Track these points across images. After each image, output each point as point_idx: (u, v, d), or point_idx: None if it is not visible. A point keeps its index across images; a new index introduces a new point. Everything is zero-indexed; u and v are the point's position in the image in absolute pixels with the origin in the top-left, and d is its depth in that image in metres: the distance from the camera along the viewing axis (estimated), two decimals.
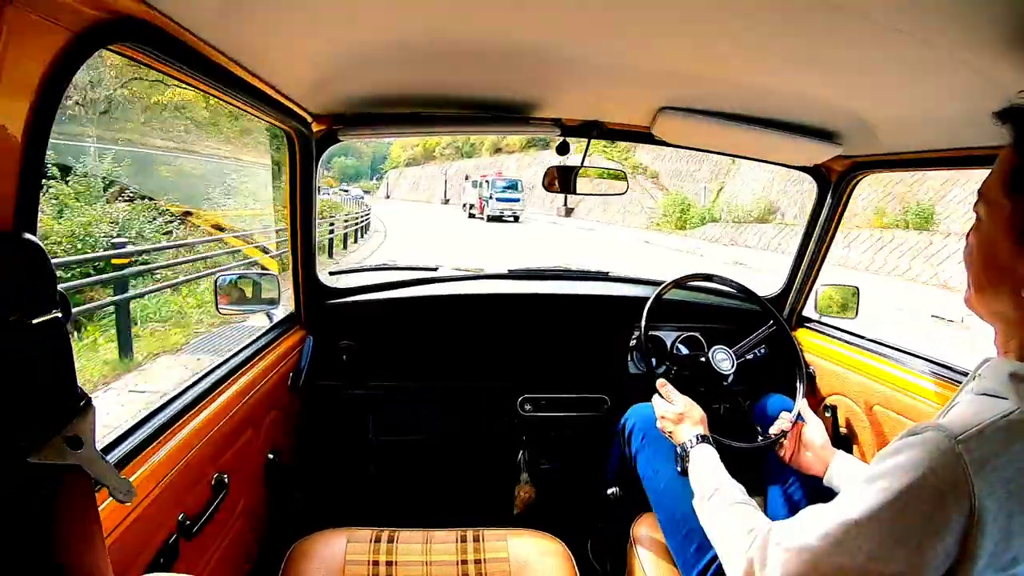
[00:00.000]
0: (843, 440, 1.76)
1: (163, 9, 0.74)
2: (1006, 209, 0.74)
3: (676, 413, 1.40)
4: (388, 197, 55.59)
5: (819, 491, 1.37)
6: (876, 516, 0.70)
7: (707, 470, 1.22)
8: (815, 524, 0.76)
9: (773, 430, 1.49)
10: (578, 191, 1.91)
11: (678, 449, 1.36)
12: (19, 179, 0.57)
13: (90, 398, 0.61)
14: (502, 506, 2.05)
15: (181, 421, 1.10)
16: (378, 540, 1.39)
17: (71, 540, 0.61)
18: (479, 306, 2.06)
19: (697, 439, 1.33)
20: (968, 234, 0.82)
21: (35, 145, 0.58)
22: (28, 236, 0.56)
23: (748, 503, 1.07)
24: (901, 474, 0.70)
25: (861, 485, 0.74)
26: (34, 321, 0.55)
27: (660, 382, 1.48)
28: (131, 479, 0.91)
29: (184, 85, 0.97)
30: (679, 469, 1.33)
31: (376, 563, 1.34)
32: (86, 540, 0.63)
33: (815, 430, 1.41)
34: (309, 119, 1.54)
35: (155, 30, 0.76)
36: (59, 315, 0.58)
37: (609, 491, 1.74)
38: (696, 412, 1.40)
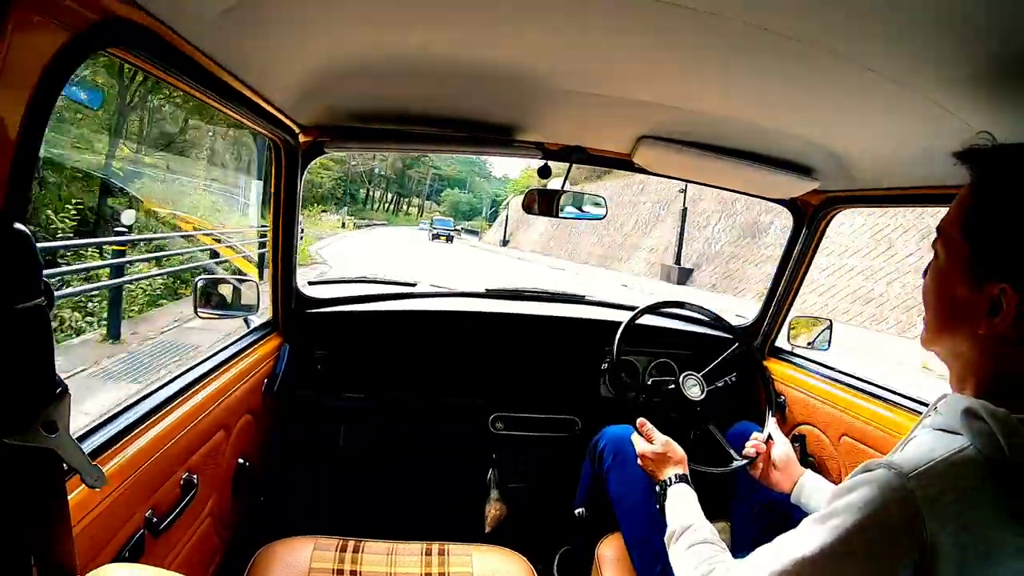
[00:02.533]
0: (810, 468, 1.73)
1: (160, 16, 0.77)
2: (963, 249, 0.75)
3: (656, 452, 1.40)
4: (505, 243, 39.93)
5: (786, 512, 1.39)
6: (828, 553, 0.70)
7: (681, 508, 1.23)
8: (768, 562, 0.75)
9: (744, 452, 1.51)
10: (562, 215, 1.94)
11: (656, 487, 1.36)
12: (11, 170, 0.59)
13: (66, 385, 0.63)
14: (469, 522, 2.05)
15: (155, 418, 1.10)
16: (344, 549, 1.39)
17: (40, 524, 0.63)
18: (455, 323, 2.08)
19: (676, 478, 1.33)
20: (925, 272, 0.83)
21: (30, 139, 0.60)
22: (17, 225, 0.57)
23: (715, 543, 1.08)
24: (854, 511, 0.69)
25: (814, 523, 0.73)
26: (18, 307, 0.57)
27: (640, 421, 1.47)
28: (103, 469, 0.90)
29: (176, 89, 0.98)
30: (657, 506, 1.33)
31: (340, 572, 1.34)
32: (54, 525, 0.64)
33: (783, 448, 1.43)
34: (296, 130, 1.56)
35: (151, 35, 0.78)
36: (43, 302, 0.59)
37: (576, 511, 1.75)
38: (676, 452, 1.40)
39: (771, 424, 1.56)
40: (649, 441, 1.43)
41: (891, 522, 0.67)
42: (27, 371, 0.59)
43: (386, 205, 74.20)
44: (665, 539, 1.17)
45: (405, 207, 78.34)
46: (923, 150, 1.21)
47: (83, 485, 0.74)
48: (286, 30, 0.98)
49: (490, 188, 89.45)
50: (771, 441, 1.46)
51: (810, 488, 1.34)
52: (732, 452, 1.60)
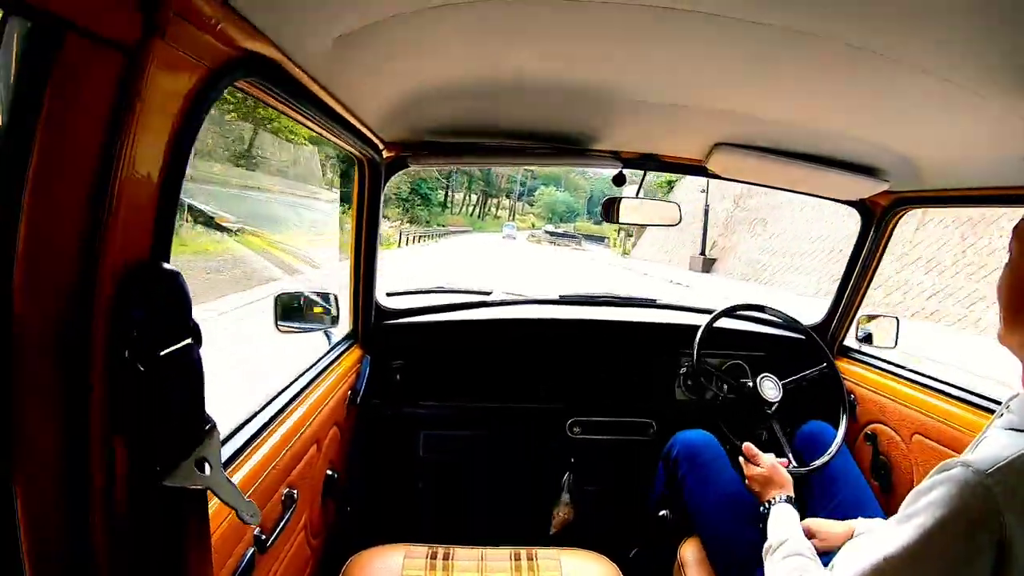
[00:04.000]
0: (883, 468, 1.78)
1: (285, 48, 0.78)
2: None
3: (763, 475, 1.42)
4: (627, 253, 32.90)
5: (860, 511, 1.42)
6: (912, 552, 0.72)
7: (782, 524, 1.26)
8: (853, 565, 0.78)
9: (820, 462, 1.59)
10: (621, 221, 1.95)
11: (761, 508, 1.38)
12: (156, 211, 0.59)
13: (214, 422, 0.63)
14: (545, 526, 2.06)
15: (260, 439, 1.13)
16: (434, 557, 1.40)
17: (189, 559, 0.64)
18: (530, 330, 2.09)
19: (780, 499, 1.36)
20: (1003, 270, 0.85)
21: (173, 178, 0.60)
22: (167, 265, 0.59)
23: (807, 556, 1.11)
24: (933, 510, 0.72)
25: (895, 524, 0.76)
26: (172, 348, 0.58)
27: (746, 445, 1.50)
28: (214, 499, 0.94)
29: (283, 114, 1.03)
30: (759, 525, 1.35)
31: None
32: (201, 559, 0.65)
33: (822, 526, 1.39)
34: (381, 146, 1.59)
35: (276, 67, 0.80)
36: (191, 341, 0.60)
37: (661, 512, 1.76)
38: (781, 476, 1.42)
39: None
40: (756, 464, 1.45)
41: (971, 518, 0.70)
42: (180, 412, 0.59)
43: (469, 209, 63.86)
44: (763, 551, 1.21)
45: (494, 209, 67.82)
46: (994, 152, 1.21)
47: None
48: (386, 54, 1.00)
49: (587, 185, 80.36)
50: (810, 528, 1.40)
51: (867, 530, 1.32)
52: (790, 454, 1.67)
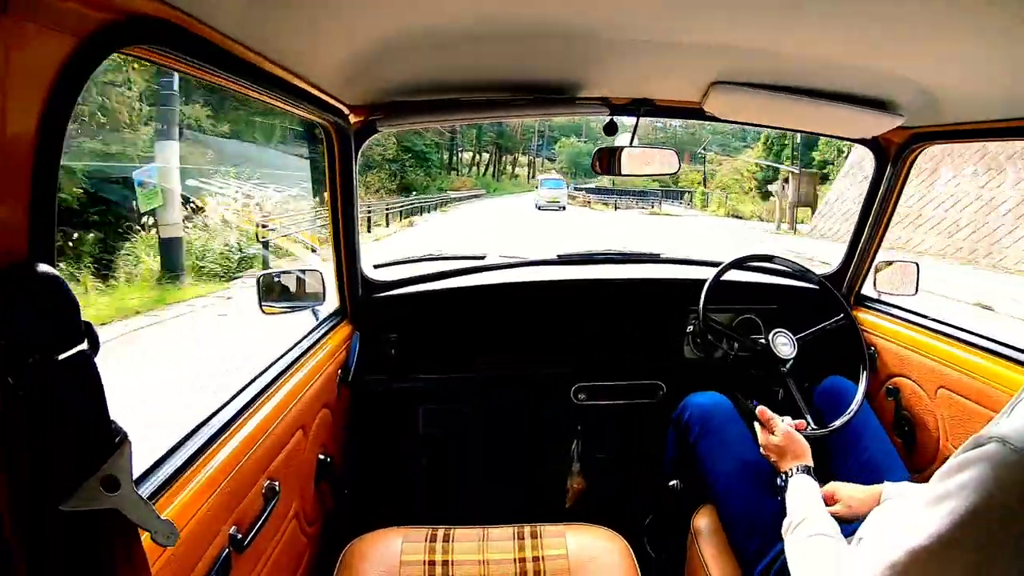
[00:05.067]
0: (906, 424, 1.71)
1: (179, 6, 0.69)
2: None
3: (777, 446, 1.36)
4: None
5: (883, 472, 1.38)
6: (944, 540, 0.67)
7: (801, 499, 1.21)
8: (881, 553, 0.73)
9: (840, 422, 1.53)
10: (623, 172, 1.81)
11: (778, 479, 1.33)
12: (31, 204, 0.53)
13: (125, 433, 0.57)
14: (556, 498, 2.02)
15: (231, 430, 1.07)
16: (433, 539, 1.37)
17: None
18: (529, 294, 2.02)
19: (798, 469, 1.30)
20: None
21: (46, 165, 0.54)
22: (44, 267, 0.52)
23: (832, 536, 1.07)
24: (968, 493, 0.66)
25: (926, 507, 0.70)
26: (60, 357, 0.51)
27: (760, 410, 1.43)
28: (181, 496, 0.88)
29: (211, 84, 0.93)
30: (777, 498, 1.30)
31: (432, 563, 1.31)
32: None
33: (844, 491, 1.33)
34: (346, 111, 1.50)
35: (172, 29, 0.71)
36: (85, 348, 0.54)
37: (671, 483, 1.71)
38: (798, 445, 1.36)
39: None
40: (771, 430, 1.39)
41: (1007, 503, 0.64)
42: (78, 425, 0.54)
43: (481, 169, 49.98)
44: (783, 529, 1.17)
45: (510, 168, 54.16)
46: (1021, 80, 1.13)
47: None
48: (322, 9, 0.91)
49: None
50: (834, 493, 1.35)
51: (896, 496, 1.26)
52: (807, 415, 1.59)
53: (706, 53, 1.27)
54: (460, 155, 47.24)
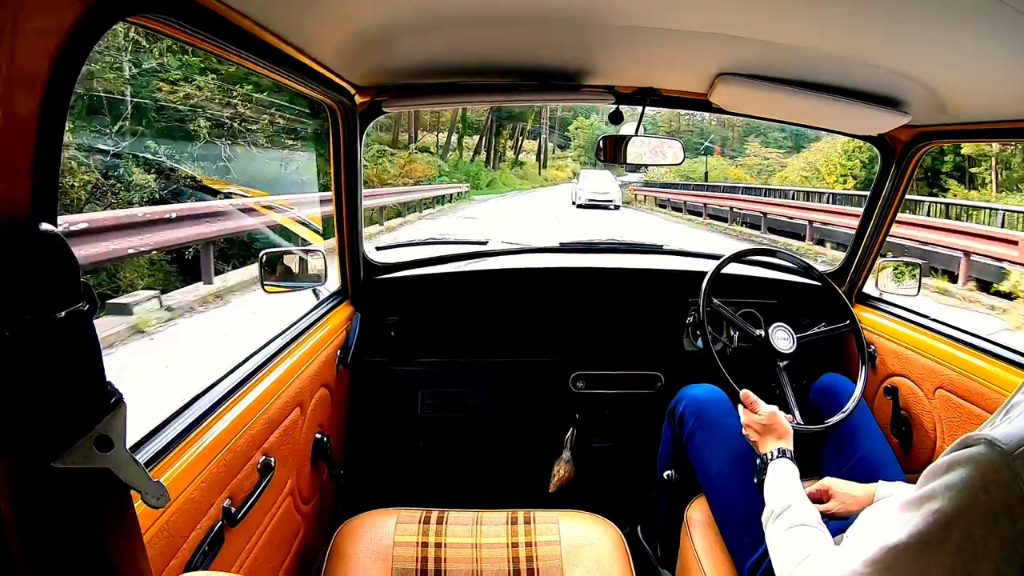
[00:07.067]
0: (903, 423, 1.70)
1: None
2: None
3: (760, 424, 1.36)
4: None
5: (877, 469, 1.40)
6: (924, 540, 0.65)
7: (781, 486, 1.19)
8: (861, 550, 0.72)
9: (835, 420, 1.51)
10: (629, 160, 1.84)
11: (757, 461, 1.33)
12: (34, 166, 0.53)
13: (121, 394, 0.57)
14: (546, 487, 2.03)
15: (227, 404, 1.08)
16: (427, 521, 1.37)
17: (109, 544, 0.59)
18: (530, 280, 2.02)
19: (778, 453, 1.29)
20: None
21: (51, 129, 0.54)
22: (46, 226, 0.52)
23: (814, 526, 1.05)
24: (951, 494, 0.64)
25: (909, 505, 0.68)
26: (58, 315, 0.52)
27: (743, 392, 1.42)
28: (175, 467, 0.89)
29: (219, 58, 0.93)
30: (755, 481, 1.31)
31: (425, 544, 1.32)
32: (124, 543, 0.61)
33: (841, 488, 1.33)
34: (352, 91, 1.50)
35: (184, 1, 0.71)
36: (84, 307, 0.54)
37: (665, 473, 1.70)
38: (781, 426, 1.35)
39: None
40: (753, 412, 1.38)
41: (993, 508, 0.62)
42: (74, 384, 0.54)
43: (480, 158, 31.83)
44: (763, 518, 1.16)
45: (515, 154, 37.69)
46: None
47: None
48: None
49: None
50: (828, 489, 1.35)
51: (889, 495, 1.25)
52: (795, 411, 1.56)
53: (714, 43, 1.26)
54: (450, 139, 31.53)
